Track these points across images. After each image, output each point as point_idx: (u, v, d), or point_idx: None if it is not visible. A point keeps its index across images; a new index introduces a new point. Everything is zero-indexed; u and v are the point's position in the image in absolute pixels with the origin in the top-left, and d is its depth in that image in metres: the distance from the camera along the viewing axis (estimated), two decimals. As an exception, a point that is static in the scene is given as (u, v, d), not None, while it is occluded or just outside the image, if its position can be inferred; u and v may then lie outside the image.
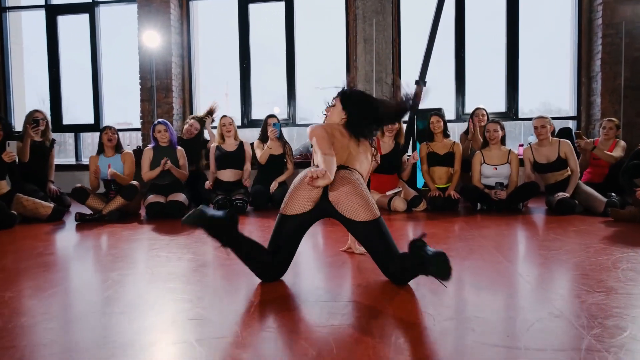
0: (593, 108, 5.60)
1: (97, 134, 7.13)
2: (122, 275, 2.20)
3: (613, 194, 3.95)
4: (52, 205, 3.98)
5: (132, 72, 6.26)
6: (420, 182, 4.87)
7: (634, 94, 5.33)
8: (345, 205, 1.92)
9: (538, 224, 3.51)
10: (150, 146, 4.31)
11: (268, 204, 4.46)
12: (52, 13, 6.64)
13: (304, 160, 5.62)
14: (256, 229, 3.48)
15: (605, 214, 3.64)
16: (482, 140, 4.42)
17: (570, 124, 5.85)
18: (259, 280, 2.05)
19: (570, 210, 3.80)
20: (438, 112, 4.47)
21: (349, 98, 2.22)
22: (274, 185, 4.41)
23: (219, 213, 1.91)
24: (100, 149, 4.24)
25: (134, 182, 4.06)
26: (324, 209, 1.98)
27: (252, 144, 4.67)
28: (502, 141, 4.25)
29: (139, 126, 6.25)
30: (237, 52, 6.34)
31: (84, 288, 2.05)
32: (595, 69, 5.52)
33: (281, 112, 6.35)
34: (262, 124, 4.64)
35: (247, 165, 4.52)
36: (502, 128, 4.23)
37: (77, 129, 6.80)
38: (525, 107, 6.02)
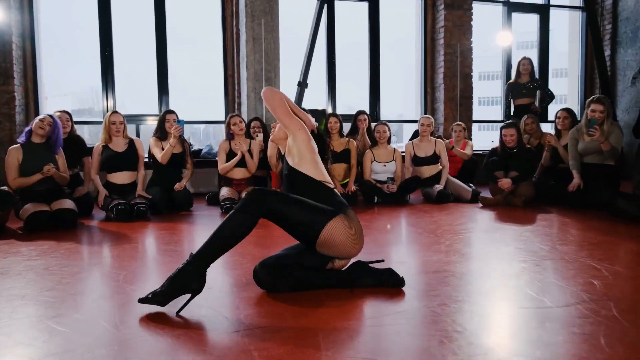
0: (437, 113, 6.69)
1: None
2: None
3: (471, 185, 4.84)
4: None
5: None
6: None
7: (466, 102, 6.56)
8: None
9: (430, 211, 4.12)
10: (18, 144, 3.58)
11: (166, 208, 4.14)
12: None
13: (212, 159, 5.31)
14: (166, 235, 3.26)
15: (474, 200, 4.47)
16: (369, 141, 4.93)
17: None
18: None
19: (447, 199, 4.54)
20: (334, 113, 4.79)
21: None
22: (178, 187, 4.13)
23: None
24: None
25: (4, 188, 3.34)
26: None
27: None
28: (388, 141, 4.81)
29: (-36, 120, 5.02)
30: (97, 39, 5.62)
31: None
32: (439, 81, 6.60)
33: (153, 109, 5.85)
34: (159, 120, 4.29)
35: (142, 171, 4.11)
36: (389, 129, 4.78)
37: None
38: (385, 111, 6.82)
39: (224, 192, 4.22)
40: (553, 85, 7.23)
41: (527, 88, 5.54)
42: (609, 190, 3.71)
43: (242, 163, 4.30)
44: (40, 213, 3.32)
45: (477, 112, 6.99)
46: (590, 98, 4.07)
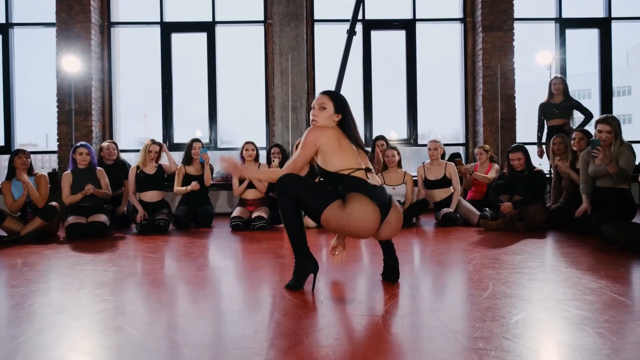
0: (478, 136, 6.55)
1: (7, 156, 7.02)
2: (51, 285, 2.41)
3: (487, 209, 4.70)
4: (-39, 227, 3.95)
5: (49, 94, 6.25)
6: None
7: (508, 124, 6.33)
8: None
9: (428, 234, 4.15)
10: (68, 170, 4.41)
11: (191, 224, 4.73)
12: (-39, 32, 6.45)
13: (225, 182, 5.94)
14: (179, 247, 3.75)
15: (479, 225, 4.38)
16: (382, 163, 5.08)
17: (461, 150, 6.75)
18: (185, 287, 2.38)
19: (453, 222, 4.50)
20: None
21: (340, 100, 2.29)
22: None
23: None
24: (11, 173, 4.22)
25: (53, 203, 4.15)
26: None
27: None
28: (399, 164, 4.91)
29: (56, 149, 6.22)
30: (159, 78, 6.57)
31: (17, 296, 2.24)
32: (478, 103, 6.48)
33: (203, 135, 6.63)
34: (186, 148, 4.93)
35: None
36: (398, 153, 4.89)
37: (-15, 151, 6.57)
38: (424, 136, 6.86)
39: (235, 211, 4.68)
40: (615, 104, 6.68)
41: (560, 108, 5.24)
42: (598, 215, 3.43)
43: (252, 185, 4.75)
44: (76, 225, 4.08)
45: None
46: (598, 118, 3.82)
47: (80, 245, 3.73)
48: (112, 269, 2.81)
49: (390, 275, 2.37)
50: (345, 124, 2.27)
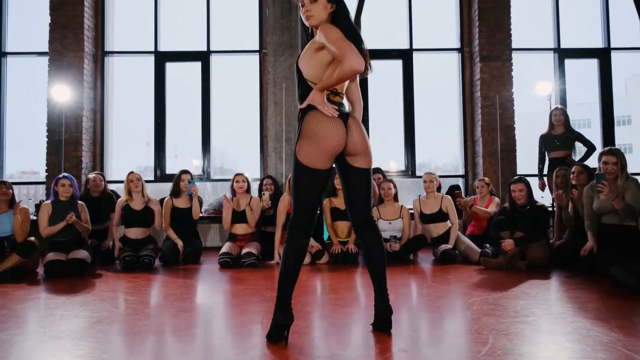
0: (477, 168, 6.38)
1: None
2: (11, 335, 2.19)
3: (487, 245, 4.47)
4: None
5: (41, 123, 6.14)
6: (325, 235, 5.19)
7: (508, 156, 6.18)
8: (362, 160, 2.09)
9: (426, 272, 3.93)
10: (48, 201, 4.24)
11: (180, 260, 4.52)
12: (-46, 61, 6.40)
13: (217, 215, 5.75)
14: (161, 286, 3.54)
15: (479, 262, 4.15)
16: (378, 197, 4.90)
17: (460, 181, 6.57)
18: (158, 338, 2.16)
19: (452, 260, 4.28)
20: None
21: None
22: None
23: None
24: None
25: (32, 239, 3.96)
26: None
27: (162, 199, 4.76)
28: (395, 198, 4.72)
29: (44, 180, 6.06)
30: (153, 108, 6.46)
31: (-35, 351, 2.03)
32: (477, 134, 6.34)
33: (198, 165, 6.49)
34: (175, 179, 4.75)
35: (157, 223, 4.57)
36: (395, 186, 4.71)
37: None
38: (423, 166, 6.70)
39: (224, 247, 4.47)
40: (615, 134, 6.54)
41: (561, 140, 5.09)
42: (606, 256, 3.22)
43: (243, 219, 4.55)
44: (55, 262, 3.87)
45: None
46: (602, 149, 3.66)
47: (57, 284, 3.52)
48: (82, 313, 2.60)
49: (382, 326, 2.16)
50: (340, 15, 1.99)
